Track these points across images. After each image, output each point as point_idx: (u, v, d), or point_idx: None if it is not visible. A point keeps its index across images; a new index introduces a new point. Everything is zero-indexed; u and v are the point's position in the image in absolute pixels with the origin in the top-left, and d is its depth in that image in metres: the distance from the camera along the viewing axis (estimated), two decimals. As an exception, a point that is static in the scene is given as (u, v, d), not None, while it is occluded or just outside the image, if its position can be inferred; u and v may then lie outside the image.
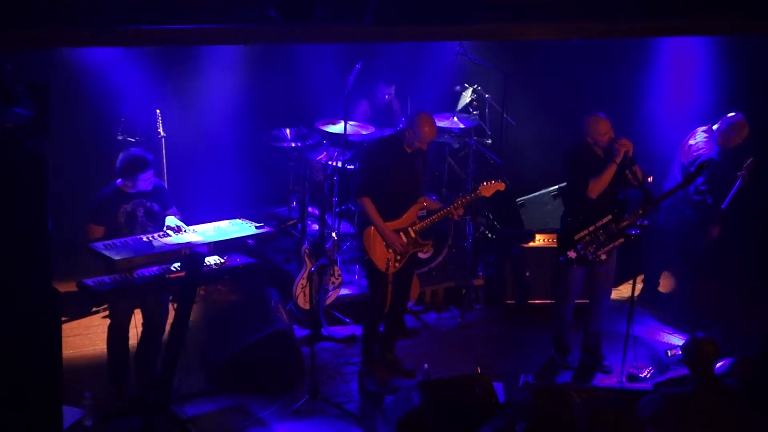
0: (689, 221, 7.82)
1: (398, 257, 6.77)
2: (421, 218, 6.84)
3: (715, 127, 7.66)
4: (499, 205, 8.81)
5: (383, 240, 6.68)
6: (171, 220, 6.35)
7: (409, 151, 6.69)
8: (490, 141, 9.20)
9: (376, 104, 9.16)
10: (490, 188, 6.97)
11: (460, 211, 6.94)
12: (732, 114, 7.61)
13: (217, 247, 6.13)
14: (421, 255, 7.25)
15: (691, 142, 7.72)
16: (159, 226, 6.36)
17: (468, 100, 9.11)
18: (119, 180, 6.34)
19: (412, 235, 6.80)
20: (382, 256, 6.73)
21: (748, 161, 7.62)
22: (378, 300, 6.88)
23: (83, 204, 6.40)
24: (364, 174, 6.82)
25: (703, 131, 7.72)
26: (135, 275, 5.90)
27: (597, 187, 6.76)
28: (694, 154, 7.62)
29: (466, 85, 9.19)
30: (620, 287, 8.37)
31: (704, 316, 8.03)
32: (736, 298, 8.48)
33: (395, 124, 8.77)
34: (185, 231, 6.20)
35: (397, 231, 6.73)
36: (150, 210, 6.42)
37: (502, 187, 7.00)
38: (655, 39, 8.76)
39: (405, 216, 6.78)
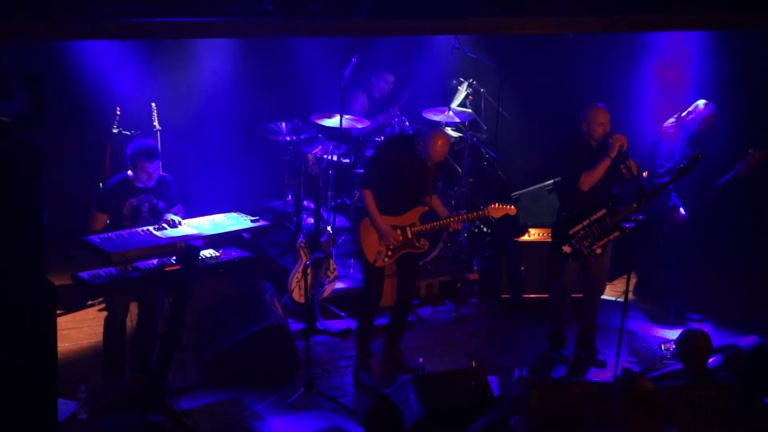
0: (654, 206, 7.87)
1: (389, 252, 6.79)
2: (422, 222, 6.86)
3: (683, 113, 7.74)
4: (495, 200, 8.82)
5: (377, 232, 6.71)
6: (170, 216, 6.36)
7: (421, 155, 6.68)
8: (485, 135, 9.20)
9: (375, 96, 9.16)
10: (499, 210, 6.97)
11: (458, 226, 6.98)
12: (702, 101, 7.68)
13: (212, 241, 6.14)
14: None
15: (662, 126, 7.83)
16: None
17: (464, 95, 9.11)
18: (130, 171, 6.37)
19: (409, 235, 6.81)
20: (373, 247, 6.76)
21: (753, 154, 7.62)
22: (373, 292, 6.92)
23: (80, 196, 6.42)
24: (369, 168, 6.92)
25: (673, 117, 7.80)
26: (130, 268, 5.90)
27: (589, 179, 6.78)
28: (659, 136, 7.74)
29: (461, 79, 9.18)
30: (614, 282, 8.38)
31: (697, 310, 8.07)
32: (726, 290, 8.51)
33: (400, 116, 8.76)
34: (180, 224, 6.20)
35: (394, 227, 6.75)
36: (155, 207, 6.44)
37: (513, 211, 7.02)
38: (649, 33, 8.76)
39: (406, 215, 6.80)
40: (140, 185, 6.39)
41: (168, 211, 6.48)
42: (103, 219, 6.29)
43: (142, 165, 6.30)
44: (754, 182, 7.88)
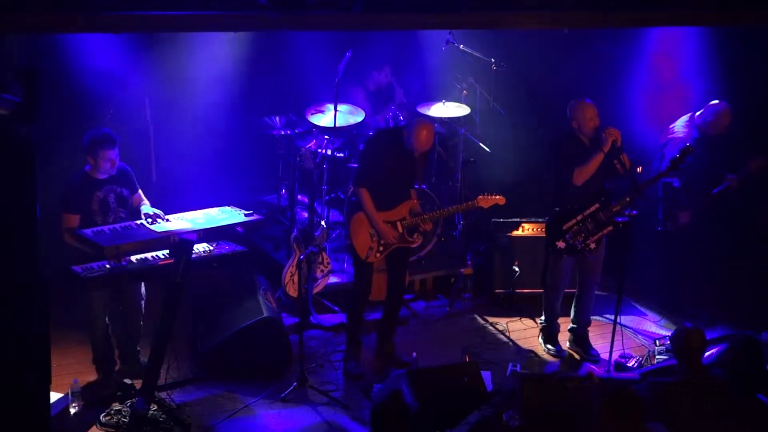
0: (659, 202, 7.86)
1: (380, 248, 6.80)
2: (412, 215, 6.85)
3: (697, 113, 7.70)
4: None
5: (373, 229, 6.71)
6: (147, 208, 6.34)
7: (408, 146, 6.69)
8: (479, 130, 9.19)
9: (371, 90, 9.15)
10: (488, 200, 6.97)
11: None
12: (715, 102, 7.65)
13: (206, 235, 6.13)
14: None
15: (671, 126, 7.78)
16: (130, 211, 6.36)
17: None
18: (87, 165, 6.32)
19: (399, 229, 6.82)
20: (364, 243, 6.77)
21: (756, 161, 7.60)
22: (362, 285, 6.97)
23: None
24: (362, 164, 6.90)
25: (685, 117, 7.77)
26: (124, 262, 5.88)
27: (582, 174, 6.78)
28: (669, 137, 7.71)
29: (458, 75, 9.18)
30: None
31: (692, 305, 8.07)
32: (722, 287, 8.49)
33: (394, 110, 8.75)
34: (164, 219, 6.19)
35: (385, 222, 6.76)
36: (121, 195, 6.41)
37: (502, 201, 7.00)
38: (644, 29, 8.75)
39: (396, 209, 6.81)
40: (102, 176, 6.32)
41: (132, 198, 6.46)
42: (75, 219, 6.22)
43: (103, 153, 6.22)
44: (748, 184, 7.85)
